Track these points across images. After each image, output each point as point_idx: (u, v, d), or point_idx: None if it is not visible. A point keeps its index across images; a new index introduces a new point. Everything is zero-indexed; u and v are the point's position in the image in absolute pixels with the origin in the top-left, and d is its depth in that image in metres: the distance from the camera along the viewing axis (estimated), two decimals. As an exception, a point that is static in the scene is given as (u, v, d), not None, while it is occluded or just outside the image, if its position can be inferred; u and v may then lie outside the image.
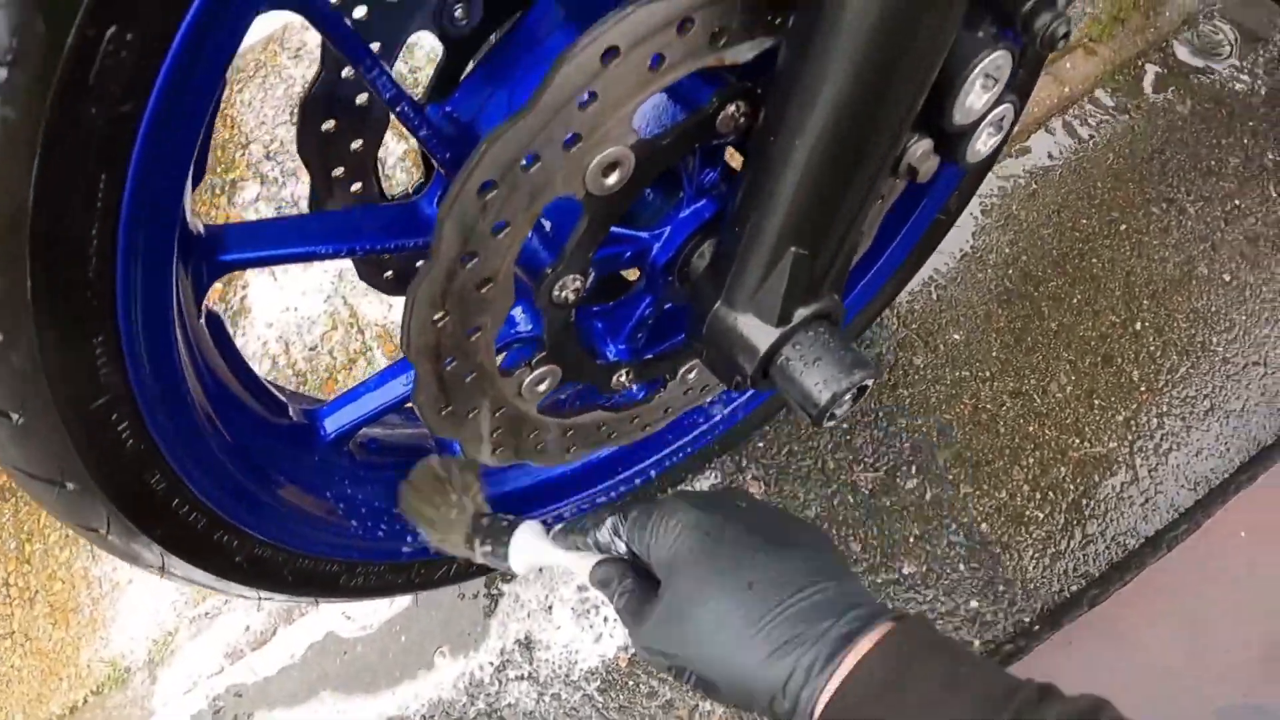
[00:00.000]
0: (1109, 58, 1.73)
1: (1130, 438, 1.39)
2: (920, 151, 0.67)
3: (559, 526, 0.76)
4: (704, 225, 0.74)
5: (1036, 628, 1.24)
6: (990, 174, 1.58)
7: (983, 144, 0.68)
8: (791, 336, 0.68)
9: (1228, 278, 1.55)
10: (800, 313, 0.68)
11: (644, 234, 0.75)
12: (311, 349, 1.40)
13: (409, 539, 0.91)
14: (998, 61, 0.62)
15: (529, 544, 0.75)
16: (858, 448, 1.36)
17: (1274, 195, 1.65)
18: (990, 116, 0.66)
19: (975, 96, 0.63)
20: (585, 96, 0.56)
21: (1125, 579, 1.25)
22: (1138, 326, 1.47)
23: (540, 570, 1.23)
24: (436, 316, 0.64)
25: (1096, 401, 1.41)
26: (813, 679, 0.56)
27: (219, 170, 1.52)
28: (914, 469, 1.35)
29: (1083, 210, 1.57)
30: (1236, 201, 1.62)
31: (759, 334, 0.67)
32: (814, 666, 0.57)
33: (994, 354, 1.43)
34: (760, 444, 1.35)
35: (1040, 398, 1.40)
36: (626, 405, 0.92)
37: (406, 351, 0.67)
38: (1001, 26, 0.61)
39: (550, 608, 1.25)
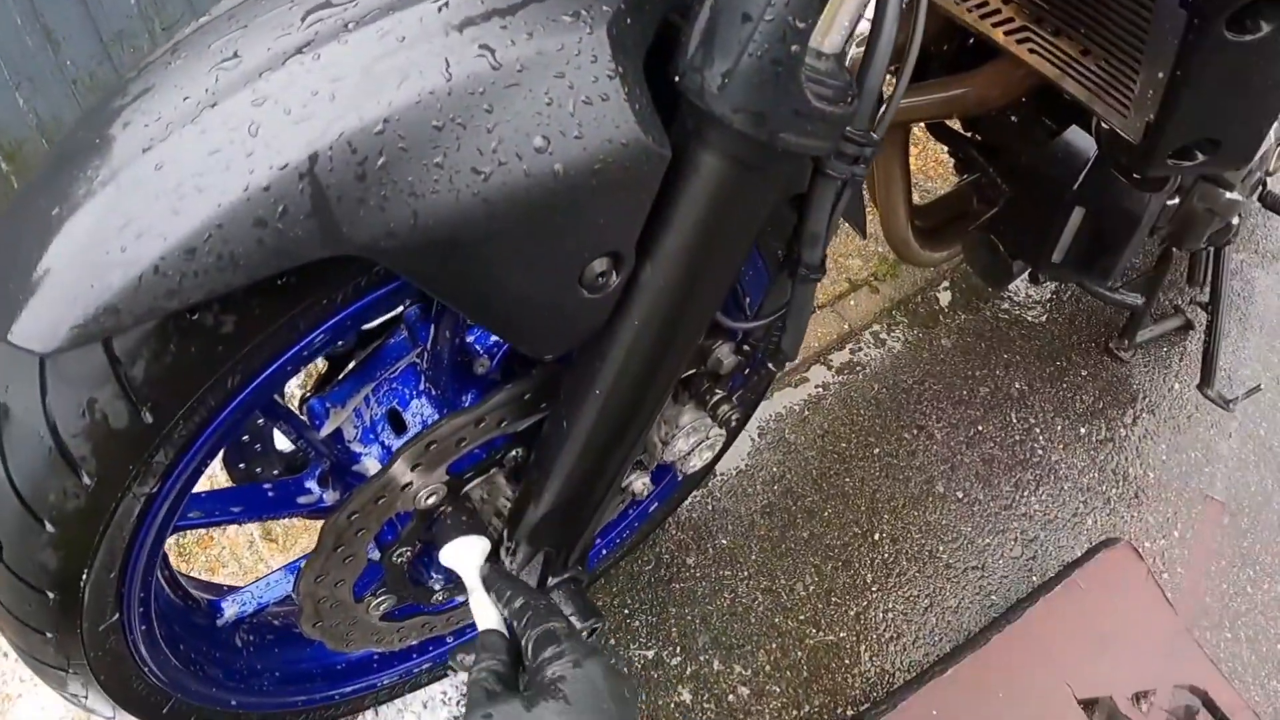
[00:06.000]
0: (890, 295, 2.12)
1: (859, 629, 1.73)
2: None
3: (495, 566, 0.88)
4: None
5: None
6: (772, 400, 1.96)
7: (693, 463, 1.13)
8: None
9: (961, 495, 1.90)
10: (551, 580, 1.04)
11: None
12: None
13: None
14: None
15: (464, 554, 0.89)
16: (635, 629, 1.71)
17: (1014, 421, 2.02)
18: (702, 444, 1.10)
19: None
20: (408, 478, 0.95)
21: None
22: (876, 537, 1.83)
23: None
24: (316, 576, 1.02)
25: (834, 599, 1.76)
26: None
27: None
28: (678, 649, 1.70)
29: (844, 435, 1.94)
30: (979, 427, 1.99)
31: None
32: None
33: (753, 557, 1.79)
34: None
35: (787, 595, 1.75)
36: (445, 610, 1.29)
37: (296, 595, 1.03)
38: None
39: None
